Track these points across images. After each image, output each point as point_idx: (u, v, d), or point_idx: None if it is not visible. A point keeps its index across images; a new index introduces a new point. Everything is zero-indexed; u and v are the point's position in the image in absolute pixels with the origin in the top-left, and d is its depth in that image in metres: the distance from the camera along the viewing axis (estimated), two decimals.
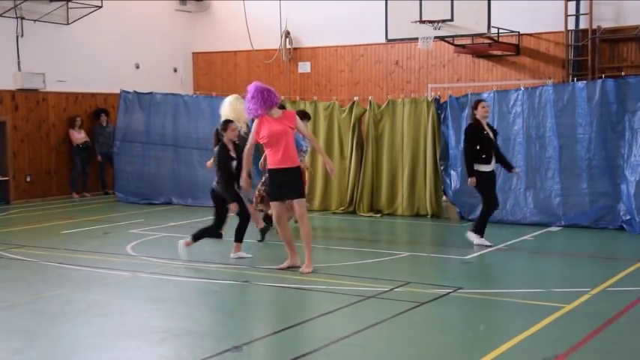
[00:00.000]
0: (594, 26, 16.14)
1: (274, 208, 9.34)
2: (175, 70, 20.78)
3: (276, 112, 9.20)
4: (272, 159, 9.20)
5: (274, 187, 9.31)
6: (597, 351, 6.38)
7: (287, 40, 19.46)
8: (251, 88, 9.18)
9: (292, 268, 9.40)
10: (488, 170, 10.77)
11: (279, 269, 9.41)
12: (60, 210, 15.77)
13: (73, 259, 10.37)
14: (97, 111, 18.48)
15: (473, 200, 13.53)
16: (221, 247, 11.31)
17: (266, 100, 9.06)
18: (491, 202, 10.86)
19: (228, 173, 9.85)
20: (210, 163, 11.00)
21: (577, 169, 12.76)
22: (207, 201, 15.72)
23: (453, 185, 13.74)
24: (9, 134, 16.94)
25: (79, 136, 17.86)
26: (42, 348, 6.58)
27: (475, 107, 10.81)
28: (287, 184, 9.18)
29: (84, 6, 17.75)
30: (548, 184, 12.96)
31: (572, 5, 16.32)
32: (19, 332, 7.03)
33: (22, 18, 17.00)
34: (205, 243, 10.83)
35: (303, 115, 11.27)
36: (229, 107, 11.13)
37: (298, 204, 9.24)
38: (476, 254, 10.18)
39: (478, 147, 10.61)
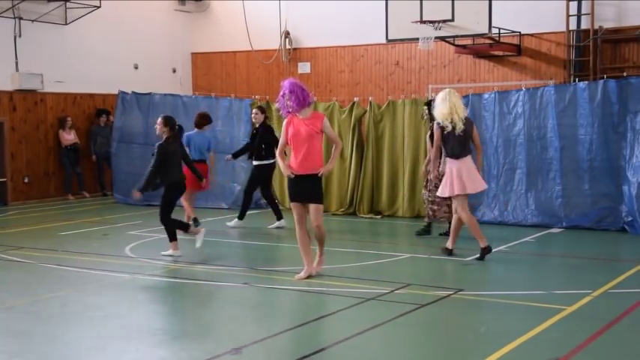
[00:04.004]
0: (596, 26, 16.09)
1: (294, 209, 8.96)
2: (174, 71, 20.72)
3: (306, 113, 8.88)
4: (292, 161, 8.83)
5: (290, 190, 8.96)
6: (599, 353, 6.33)
7: (287, 40, 19.41)
8: (287, 84, 8.89)
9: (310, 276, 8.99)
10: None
11: (298, 279, 8.91)
12: (58, 211, 15.71)
13: (72, 260, 10.31)
14: (98, 111, 18.40)
15: (473, 201, 13.48)
16: (221, 248, 11.26)
17: (303, 99, 8.80)
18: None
19: None
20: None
21: (579, 170, 12.70)
22: (205, 202, 15.78)
23: None
24: (7, 135, 16.86)
25: (68, 137, 17.69)
26: (40, 350, 6.53)
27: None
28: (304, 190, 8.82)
29: (82, 6, 17.69)
30: (550, 185, 12.90)
31: (573, 5, 16.28)
32: (17, 334, 6.99)
33: (20, 18, 16.93)
34: (206, 244, 10.76)
35: None
36: (445, 101, 10.03)
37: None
38: (477, 256, 10.10)
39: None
